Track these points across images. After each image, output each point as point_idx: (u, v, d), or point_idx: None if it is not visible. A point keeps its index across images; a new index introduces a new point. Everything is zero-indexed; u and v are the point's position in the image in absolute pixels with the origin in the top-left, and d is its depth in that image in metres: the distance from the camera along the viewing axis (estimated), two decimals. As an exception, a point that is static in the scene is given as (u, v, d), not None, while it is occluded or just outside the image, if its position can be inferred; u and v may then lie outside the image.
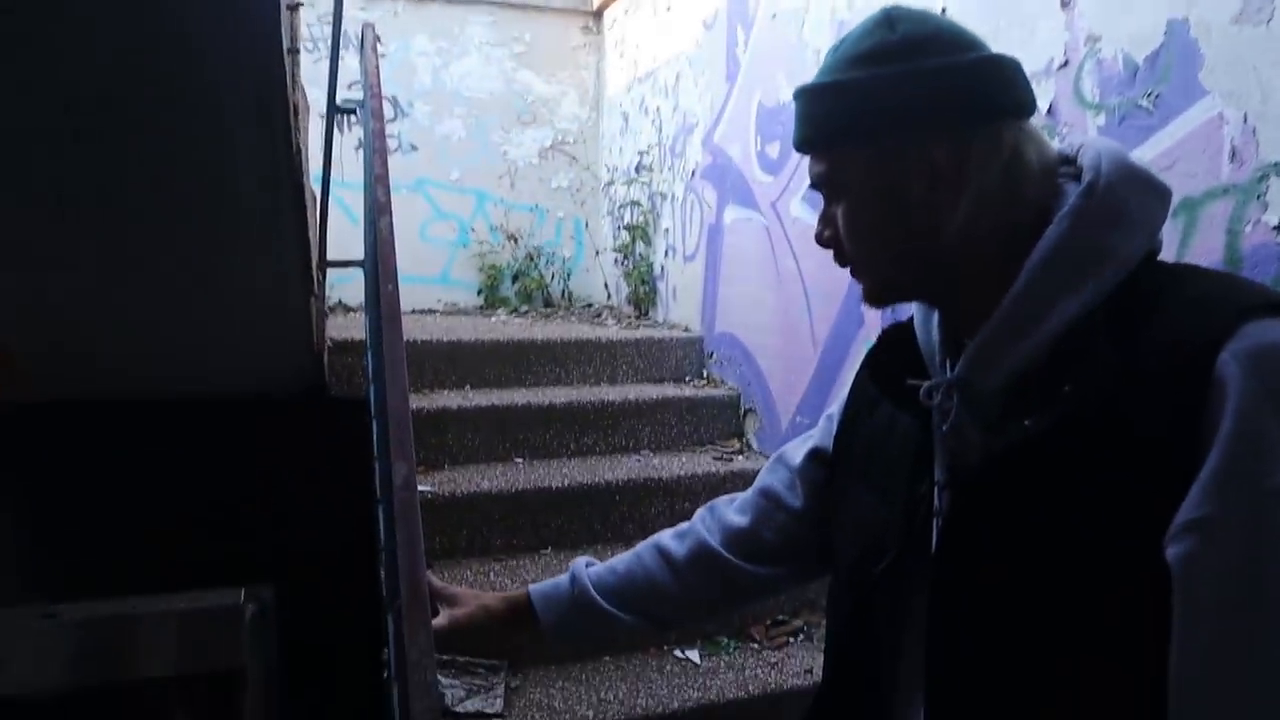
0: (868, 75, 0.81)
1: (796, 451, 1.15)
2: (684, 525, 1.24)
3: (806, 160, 0.89)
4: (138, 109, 1.95)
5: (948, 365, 0.88)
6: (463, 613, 1.28)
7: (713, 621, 2.53)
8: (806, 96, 0.86)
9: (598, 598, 1.21)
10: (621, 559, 1.25)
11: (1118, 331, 0.73)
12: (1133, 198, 0.79)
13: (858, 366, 1.08)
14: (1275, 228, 1.54)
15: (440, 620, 1.27)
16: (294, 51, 2.11)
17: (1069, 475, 0.73)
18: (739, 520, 1.17)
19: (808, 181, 0.90)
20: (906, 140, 0.80)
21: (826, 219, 0.89)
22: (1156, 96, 1.75)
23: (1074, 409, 0.73)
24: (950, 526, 0.81)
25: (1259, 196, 1.57)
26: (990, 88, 0.80)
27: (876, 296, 0.91)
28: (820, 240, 0.90)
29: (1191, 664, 0.66)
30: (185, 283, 2.41)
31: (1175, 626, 0.67)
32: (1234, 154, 1.61)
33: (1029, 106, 0.82)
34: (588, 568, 1.26)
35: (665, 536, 1.23)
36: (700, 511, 1.25)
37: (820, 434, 1.12)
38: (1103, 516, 0.70)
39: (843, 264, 0.90)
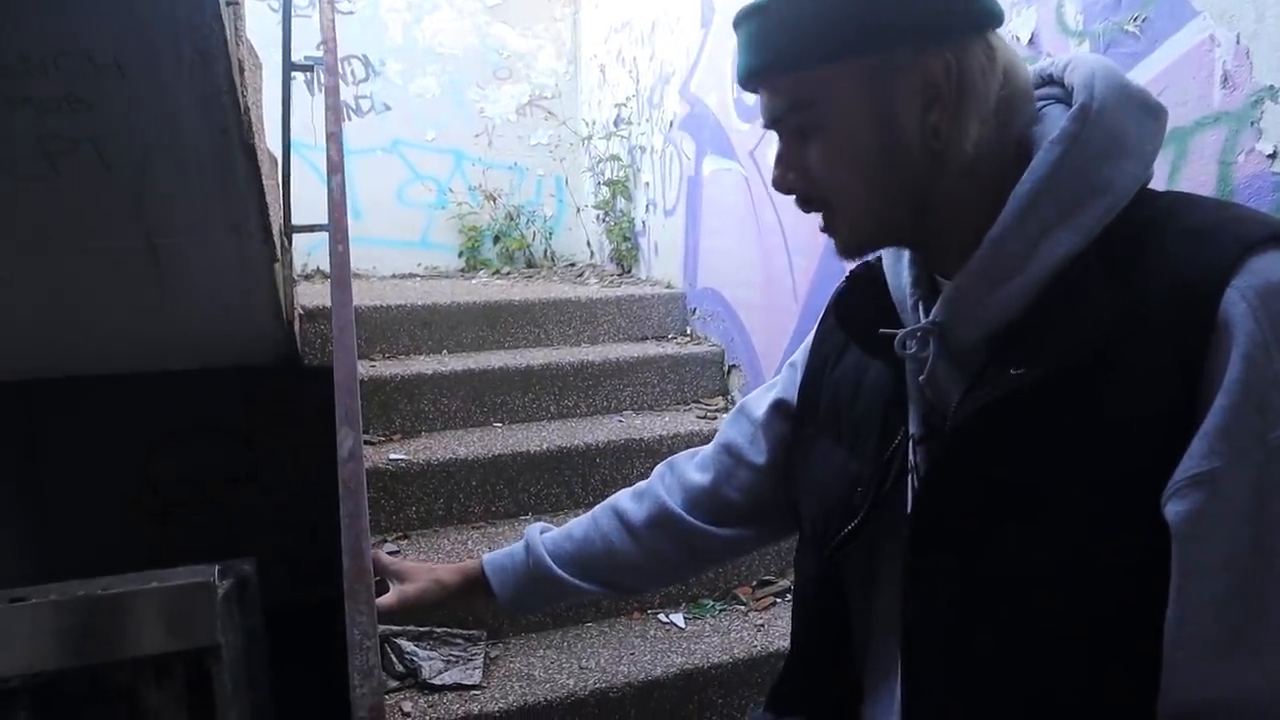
0: None
1: (759, 403, 1.08)
2: (642, 485, 1.18)
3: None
4: (68, 71, 1.85)
5: (920, 309, 0.81)
6: (413, 588, 1.21)
7: (681, 583, 2.46)
8: (762, 14, 0.74)
9: (555, 567, 1.15)
10: (579, 523, 1.19)
11: (1113, 271, 0.67)
12: (1129, 122, 0.71)
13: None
14: (1270, 156, 1.45)
15: (389, 598, 1.21)
16: (233, 4, 1.99)
17: (1060, 428, 0.67)
18: (700, 478, 1.11)
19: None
20: (898, 52, 0.70)
21: (788, 160, 0.77)
22: (1144, 20, 1.65)
23: (1067, 357, 0.66)
24: (929, 482, 0.74)
25: (1253, 123, 1.47)
26: None
27: (857, 246, 0.80)
28: (783, 186, 0.79)
29: (1197, 620, 0.62)
30: (135, 252, 2.31)
31: (1176, 582, 0.62)
32: (1226, 79, 1.51)
33: (1002, 13, 0.74)
34: (543, 534, 1.19)
35: (623, 498, 1.17)
36: (659, 468, 1.18)
37: (783, 384, 1.05)
38: (1096, 471, 0.65)
39: (811, 209, 0.79)
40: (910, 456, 0.80)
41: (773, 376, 1.12)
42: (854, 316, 0.87)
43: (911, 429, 0.80)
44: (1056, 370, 0.66)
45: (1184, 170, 1.57)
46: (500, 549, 1.22)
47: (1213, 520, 0.60)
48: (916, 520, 0.75)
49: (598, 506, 1.20)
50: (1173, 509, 0.62)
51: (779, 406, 1.05)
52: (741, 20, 0.77)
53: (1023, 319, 0.71)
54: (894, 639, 0.79)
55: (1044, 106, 0.75)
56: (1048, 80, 0.77)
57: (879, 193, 0.74)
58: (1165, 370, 0.63)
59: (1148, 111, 0.72)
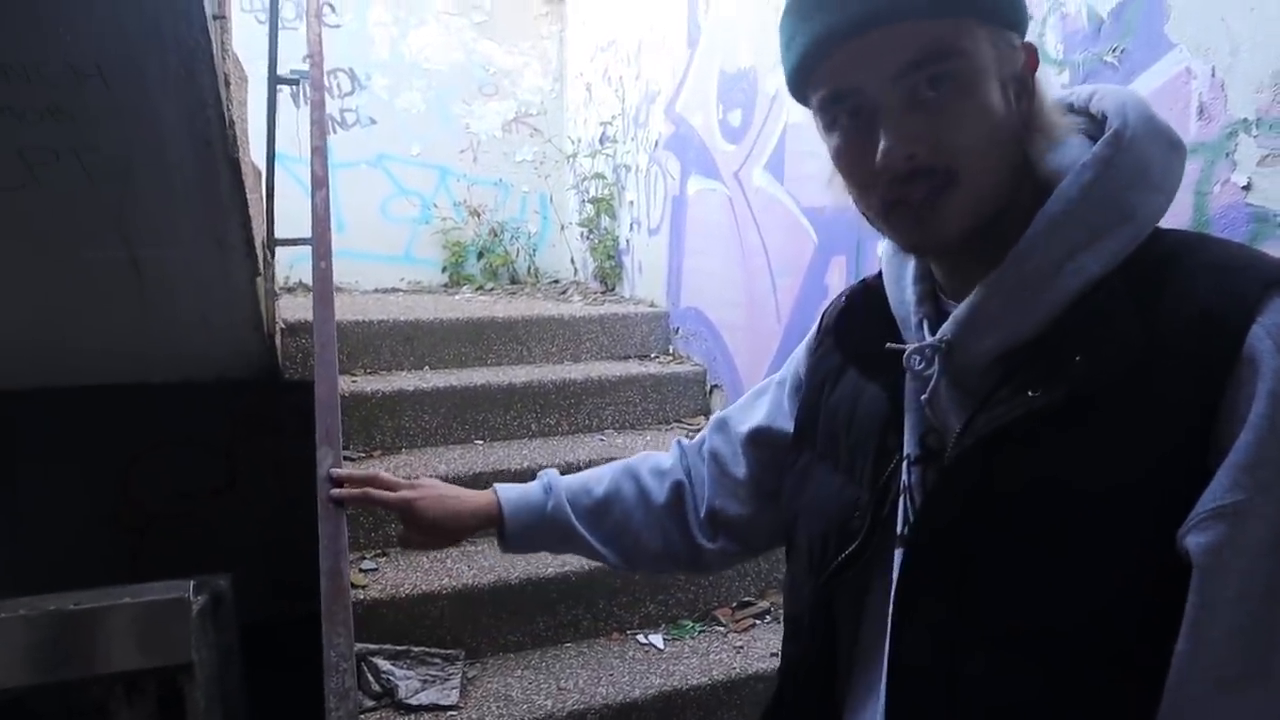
0: None
1: (741, 420, 1.07)
2: (664, 462, 1.14)
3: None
4: (51, 81, 1.84)
5: (926, 328, 0.79)
6: (418, 497, 1.17)
7: (670, 574, 2.41)
8: None
9: (573, 518, 1.11)
10: (597, 480, 1.14)
11: (1138, 299, 0.66)
12: (1156, 154, 0.71)
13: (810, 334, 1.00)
14: (1244, 188, 1.47)
15: (401, 495, 1.16)
16: (220, 18, 1.98)
17: (1072, 453, 0.66)
18: (707, 499, 1.09)
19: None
20: (1013, 34, 0.71)
21: (907, 124, 0.68)
22: (1122, 51, 1.67)
23: (1089, 382, 0.66)
24: (930, 504, 0.73)
25: (1228, 155, 1.50)
26: None
27: (962, 229, 0.71)
28: (902, 151, 0.68)
29: (1211, 652, 0.62)
30: (116, 264, 2.30)
31: (1191, 614, 0.62)
32: (1202, 110, 1.53)
33: None
34: (558, 481, 1.16)
35: (645, 471, 1.13)
36: (674, 450, 1.15)
37: (769, 408, 1.04)
38: (1105, 499, 0.65)
39: (920, 188, 0.69)
40: (904, 477, 0.78)
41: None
42: (852, 337, 0.86)
43: (907, 449, 0.79)
44: (1074, 394, 0.66)
45: (1161, 200, 1.59)
46: (514, 488, 1.17)
47: (1233, 553, 0.60)
48: (912, 543, 0.74)
49: (617, 466, 1.15)
50: (1194, 540, 0.62)
51: (761, 433, 1.04)
52: None
53: (1039, 341, 0.70)
54: (876, 665, 0.78)
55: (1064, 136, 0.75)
56: (1067, 109, 0.77)
57: (1005, 168, 0.71)
58: (1185, 401, 0.63)
59: (1171, 145, 0.72)
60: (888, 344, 0.79)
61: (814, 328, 1.01)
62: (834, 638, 0.84)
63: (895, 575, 0.76)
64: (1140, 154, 0.70)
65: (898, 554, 0.76)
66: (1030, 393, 0.68)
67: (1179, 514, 0.63)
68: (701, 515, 1.08)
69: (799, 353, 1.03)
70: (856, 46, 0.68)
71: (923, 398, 0.77)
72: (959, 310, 0.74)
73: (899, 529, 0.78)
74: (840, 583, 0.82)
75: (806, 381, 0.97)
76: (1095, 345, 0.67)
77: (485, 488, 2.75)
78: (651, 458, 1.15)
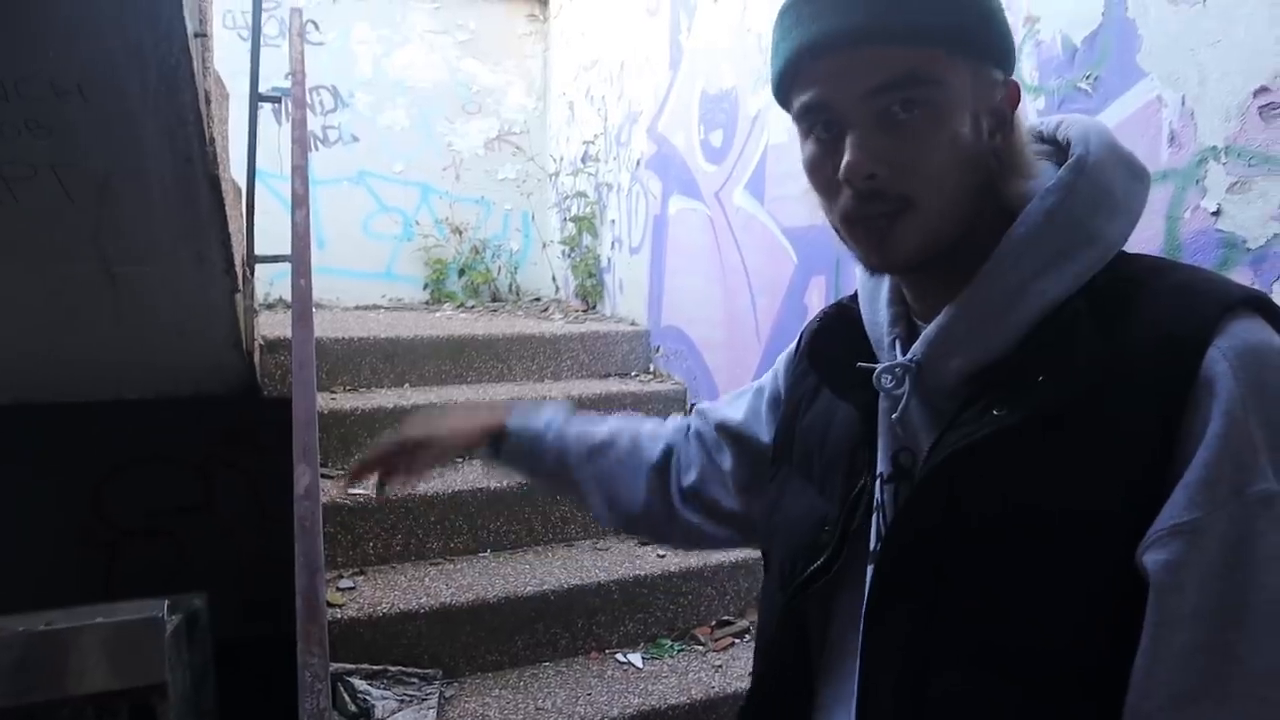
0: None
1: (715, 413, 1.10)
2: (660, 428, 1.16)
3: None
4: (29, 97, 1.83)
5: (898, 348, 0.80)
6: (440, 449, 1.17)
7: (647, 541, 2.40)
8: None
9: (570, 446, 1.14)
10: (597, 423, 1.17)
11: (1101, 320, 0.68)
12: (1119, 181, 0.73)
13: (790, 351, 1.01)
14: (1214, 213, 1.50)
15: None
16: (202, 36, 1.99)
17: (1036, 471, 0.68)
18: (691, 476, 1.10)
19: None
20: (992, 69, 0.72)
21: (872, 143, 0.69)
22: (1095, 79, 1.70)
23: (1053, 401, 0.67)
24: (899, 521, 0.74)
25: (1198, 181, 1.52)
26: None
27: (915, 253, 0.73)
28: (861, 171, 0.70)
29: (1166, 668, 0.63)
30: (94, 280, 2.28)
31: (1149, 631, 0.63)
32: (1173, 138, 1.56)
33: None
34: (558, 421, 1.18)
35: (644, 432, 1.16)
36: (670, 420, 1.17)
37: (744, 414, 1.05)
38: (1069, 516, 0.66)
39: (877, 208, 0.71)
40: (877, 495, 0.79)
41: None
42: (826, 357, 0.87)
43: (879, 467, 0.80)
44: (1036, 413, 0.67)
45: (1133, 224, 1.62)
46: (521, 413, 1.17)
47: (1189, 570, 0.62)
48: (882, 559, 0.75)
49: (615, 418, 1.18)
50: (1152, 558, 0.63)
51: (731, 428, 1.06)
52: None
53: (1004, 361, 0.71)
54: (845, 679, 0.79)
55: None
56: (1036, 138, 0.79)
57: (962, 198, 0.72)
58: (1146, 421, 0.65)
59: (1133, 173, 0.74)
60: (859, 364, 0.80)
61: (793, 345, 1.02)
62: (805, 650, 0.85)
63: (866, 591, 0.76)
64: (1102, 179, 0.72)
65: (869, 570, 0.77)
66: (995, 412, 0.69)
67: (1142, 533, 0.64)
68: (684, 485, 1.09)
69: (779, 366, 1.04)
70: (837, 61, 0.70)
71: (894, 417, 0.78)
72: (928, 331, 0.75)
73: (872, 546, 0.79)
74: (809, 596, 0.82)
75: (785, 399, 0.99)
76: (1058, 366, 0.68)
77: (465, 506, 2.75)
78: (647, 421, 1.17)
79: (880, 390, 0.78)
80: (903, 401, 0.76)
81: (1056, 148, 0.77)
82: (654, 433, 1.15)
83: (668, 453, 1.12)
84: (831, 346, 0.86)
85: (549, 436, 1.14)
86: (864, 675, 0.76)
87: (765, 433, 1.03)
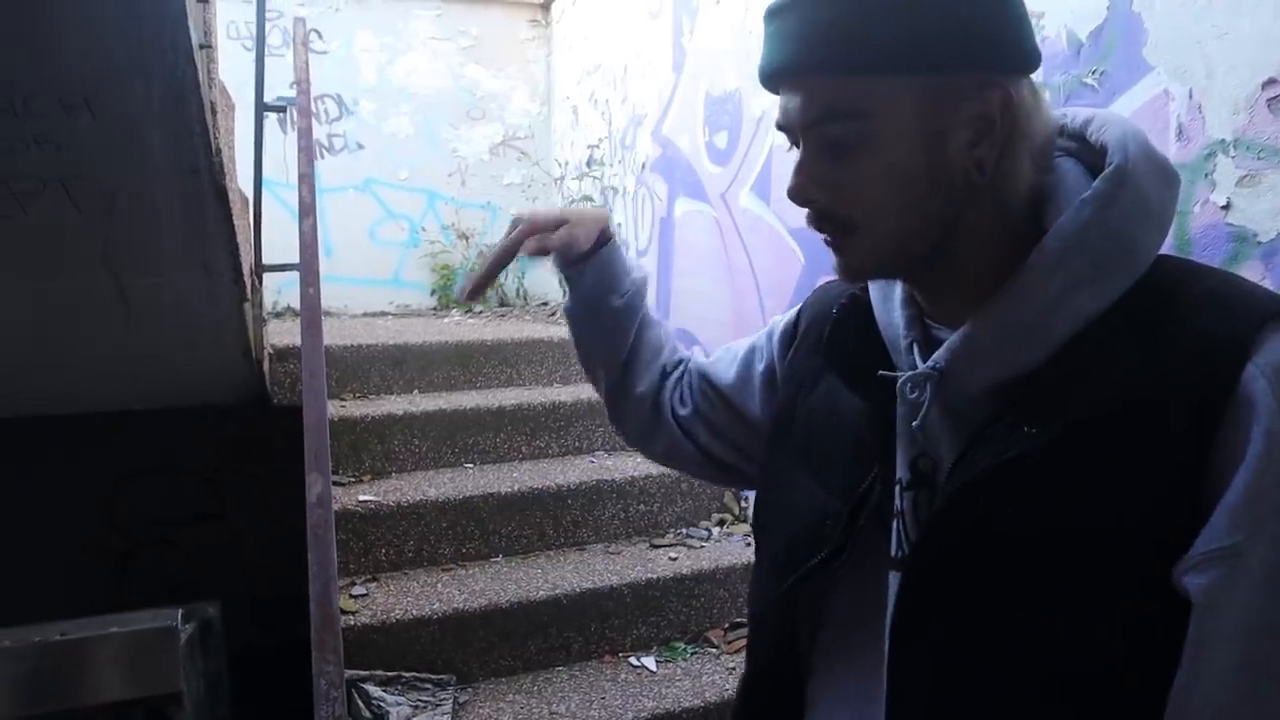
0: None
1: (703, 365, 1.08)
2: (683, 350, 1.14)
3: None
4: (38, 112, 1.84)
5: (916, 352, 0.79)
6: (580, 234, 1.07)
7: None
8: (831, 6, 0.68)
9: (640, 302, 1.08)
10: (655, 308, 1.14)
11: (1136, 335, 0.66)
12: (1154, 189, 0.70)
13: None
14: (1224, 207, 1.49)
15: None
16: (206, 47, 1.99)
17: (1068, 487, 0.66)
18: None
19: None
20: (961, 78, 0.68)
21: (814, 170, 0.72)
22: (1101, 73, 1.70)
23: (1084, 418, 0.66)
24: (927, 534, 0.73)
25: (1206, 175, 1.52)
26: (1026, 30, 0.70)
27: (873, 268, 0.76)
28: (801, 196, 0.74)
29: (1209, 688, 0.62)
30: (103, 292, 2.29)
31: (1191, 651, 0.63)
32: (1181, 131, 1.56)
33: (1039, 59, 0.72)
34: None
35: (673, 335, 1.14)
36: (689, 351, 1.15)
37: (732, 379, 1.04)
38: (1102, 532, 0.65)
39: (825, 227, 0.74)
40: (896, 502, 0.78)
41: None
42: (841, 348, 0.85)
43: (898, 473, 0.79)
44: (1071, 430, 0.66)
45: (1142, 219, 1.61)
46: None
47: (1232, 593, 0.61)
48: (910, 571, 0.74)
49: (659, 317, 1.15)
50: (1193, 581, 0.62)
51: (713, 386, 1.05)
52: (786, 7, 0.70)
53: (1035, 375, 0.69)
54: (838, 677, 0.79)
55: (1055, 158, 0.74)
56: (1059, 132, 0.76)
57: (912, 220, 0.71)
58: (1181, 439, 0.63)
59: (1166, 180, 0.72)
60: (880, 371, 0.79)
61: (790, 317, 1.00)
62: (794, 646, 0.84)
63: (891, 600, 0.76)
64: (1140, 189, 0.69)
65: (893, 578, 0.76)
66: (1027, 429, 0.67)
67: (1176, 551, 0.63)
68: (679, 414, 1.08)
69: (774, 336, 1.02)
70: (784, 90, 0.73)
71: (914, 424, 0.76)
72: (953, 339, 0.73)
73: (893, 552, 0.78)
74: (805, 588, 0.82)
75: (785, 381, 0.97)
76: (1093, 382, 0.67)
77: (477, 512, 2.75)
78: (670, 341, 1.14)
79: (902, 397, 0.77)
80: (924, 409, 0.75)
81: (1083, 144, 0.75)
82: (677, 348, 1.13)
83: (679, 365, 1.11)
84: (845, 340, 0.85)
85: (636, 275, 1.08)
86: (892, 686, 0.75)
87: (755, 404, 1.01)
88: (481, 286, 1.03)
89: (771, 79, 0.73)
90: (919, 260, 0.74)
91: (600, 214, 1.09)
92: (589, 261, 1.05)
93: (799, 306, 1.00)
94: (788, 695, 0.85)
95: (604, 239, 1.06)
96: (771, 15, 0.72)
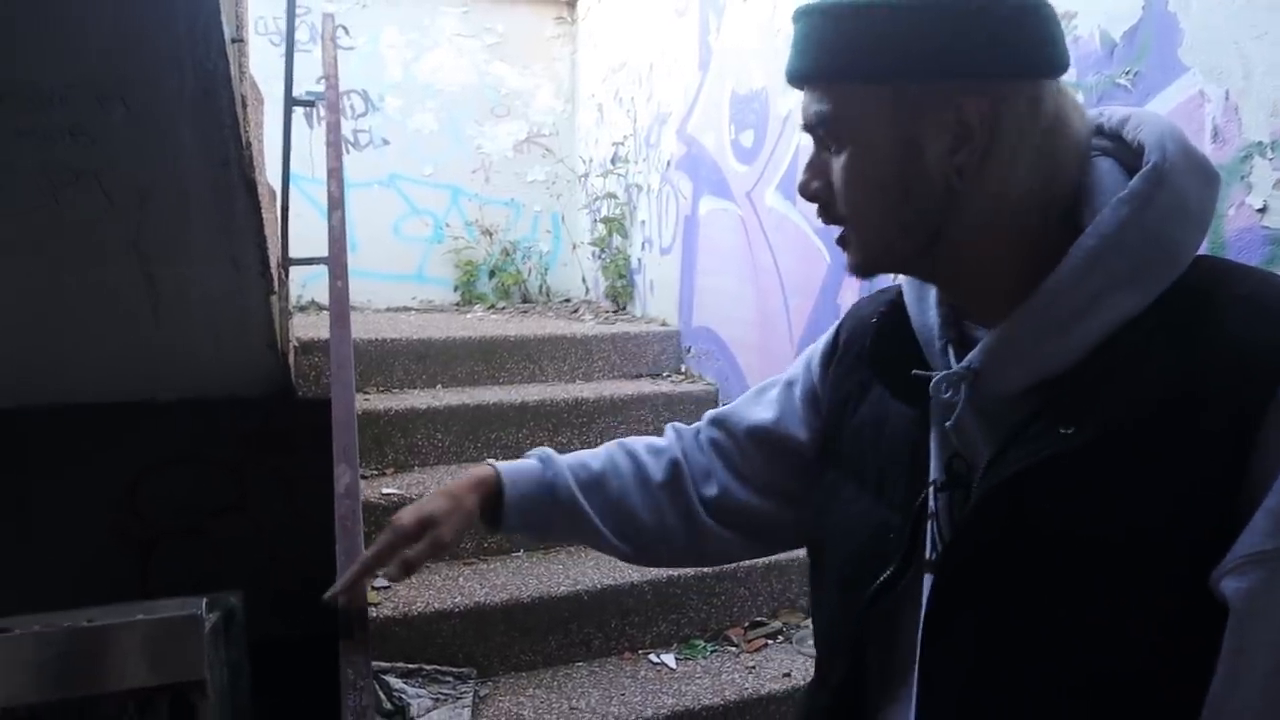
0: (898, 2, 0.69)
1: (741, 419, 1.05)
2: (658, 441, 1.09)
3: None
4: (74, 104, 1.86)
5: (951, 353, 0.79)
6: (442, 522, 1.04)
7: (671, 566, 2.28)
8: (815, 17, 0.72)
9: (574, 487, 1.04)
10: (593, 455, 1.08)
11: (1174, 336, 0.66)
12: (1193, 188, 0.70)
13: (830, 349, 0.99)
14: (1260, 210, 1.47)
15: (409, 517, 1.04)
16: (239, 41, 2.01)
17: (1104, 488, 0.66)
18: (702, 460, 1.06)
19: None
20: (936, 86, 0.69)
21: (816, 167, 0.77)
22: (1135, 74, 1.68)
23: (1120, 419, 0.65)
24: (961, 534, 0.73)
25: (1242, 178, 1.50)
26: (1034, 37, 0.69)
27: (866, 265, 0.79)
28: (806, 192, 0.78)
29: (1246, 692, 0.62)
30: (132, 283, 2.32)
31: (1228, 656, 0.62)
32: (1216, 133, 1.54)
33: (1066, 63, 0.72)
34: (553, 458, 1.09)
35: (640, 448, 1.08)
36: (669, 432, 1.10)
37: (775, 413, 1.02)
38: (1138, 533, 0.65)
39: (830, 221, 0.78)
40: (931, 503, 0.78)
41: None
42: (882, 356, 0.85)
43: (932, 474, 0.79)
44: (1108, 431, 0.66)
45: (1175, 221, 1.60)
46: (506, 463, 1.07)
47: (1272, 598, 0.60)
48: (942, 570, 0.74)
49: (611, 444, 1.09)
50: (1232, 585, 0.61)
51: (761, 431, 1.02)
52: (798, 17, 0.75)
53: (1070, 375, 0.69)
54: (907, 688, 0.78)
55: (1092, 158, 0.74)
56: (1095, 131, 0.76)
57: (891, 219, 0.73)
58: (1220, 438, 0.63)
59: (1206, 179, 0.71)
60: (914, 370, 0.79)
61: (829, 336, 1.00)
62: (865, 657, 0.83)
63: (924, 601, 0.75)
64: (1178, 188, 0.69)
65: (926, 579, 0.76)
66: (1062, 430, 0.67)
67: (1212, 554, 0.62)
68: (706, 496, 1.04)
69: (812, 361, 1.01)
70: (804, 92, 0.78)
71: (948, 424, 0.76)
72: (988, 339, 0.73)
73: (928, 554, 0.78)
74: (877, 605, 0.81)
75: (829, 395, 0.96)
76: (1129, 383, 0.66)
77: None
78: (645, 438, 1.10)
79: (936, 397, 0.77)
80: (958, 409, 0.75)
81: (1120, 144, 0.74)
82: (652, 446, 1.09)
83: (674, 468, 1.06)
84: (886, 348, 0.85)
85: (549, 475, 1.04)
86: (923, 686, 0.75)
87: (801, 430, 1.00)
88: (350, 589, 1.08)
89: (789, 80, 0.79)
90: (914, 259, 0.77)
91: (472, 482, 1.05)
92: (500, 524, 1.05)
93: (835, 325, 1.00)
94: (857, 715, 0.85)
95: (493, 498, 1.04)
96: (794, 20, 0.76)
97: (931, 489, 0.78)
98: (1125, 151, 0.73)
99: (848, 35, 0.71)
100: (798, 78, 0.76)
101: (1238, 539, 0.61)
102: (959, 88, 0.69)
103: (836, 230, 0.79)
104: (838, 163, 0.74)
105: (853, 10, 0.70)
